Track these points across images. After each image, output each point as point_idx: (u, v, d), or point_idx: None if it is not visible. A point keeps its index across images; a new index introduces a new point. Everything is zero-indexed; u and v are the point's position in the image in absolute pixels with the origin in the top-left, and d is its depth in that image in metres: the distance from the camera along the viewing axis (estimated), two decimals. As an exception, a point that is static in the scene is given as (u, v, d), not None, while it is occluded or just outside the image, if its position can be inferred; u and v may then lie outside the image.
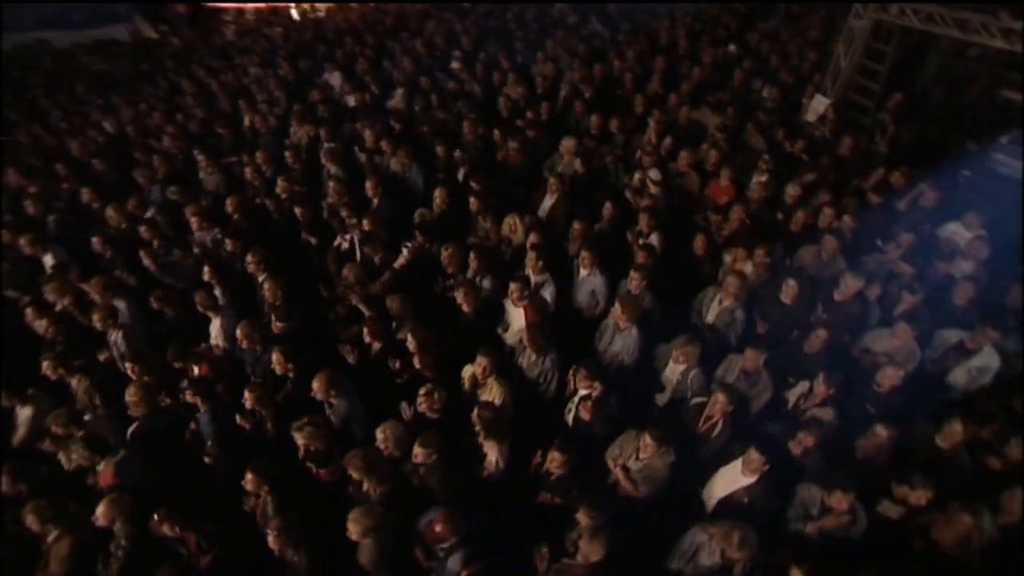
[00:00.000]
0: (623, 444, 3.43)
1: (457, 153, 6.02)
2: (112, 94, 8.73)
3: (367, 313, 4.21)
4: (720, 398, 3.41)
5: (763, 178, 5.41)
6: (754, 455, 3.07)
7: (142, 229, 5.23)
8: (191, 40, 10.90)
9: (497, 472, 3.43)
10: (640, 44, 8.40)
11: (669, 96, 6.84)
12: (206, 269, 4.59)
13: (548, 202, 5.39)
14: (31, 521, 2.99)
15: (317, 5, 13.45)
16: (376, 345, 4.08)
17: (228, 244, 5.06)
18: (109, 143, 7.17)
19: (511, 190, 5.78)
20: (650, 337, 4.09)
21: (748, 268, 4.56)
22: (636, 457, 3.35)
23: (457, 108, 7.03)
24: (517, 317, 4.23)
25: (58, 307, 4.62)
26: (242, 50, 9.77)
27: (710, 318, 4.35)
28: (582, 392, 3.61)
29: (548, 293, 4.43)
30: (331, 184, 5.62)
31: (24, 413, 3.93)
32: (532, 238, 4.67)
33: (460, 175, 5.89)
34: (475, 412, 3.37)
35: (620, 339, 4.03)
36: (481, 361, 3.65)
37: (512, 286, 4.17)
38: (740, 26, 9.06)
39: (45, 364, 3.96)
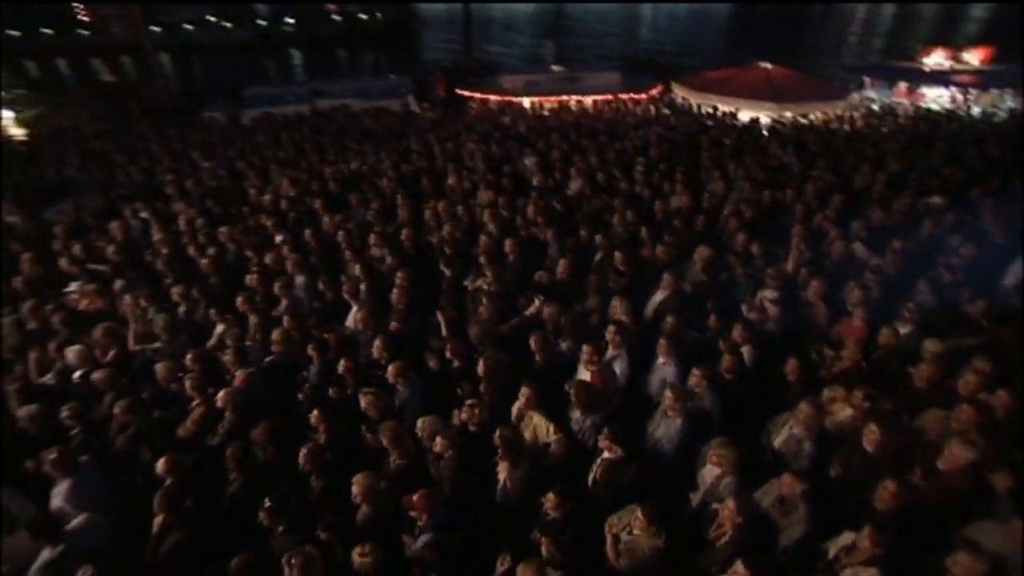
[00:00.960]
0: (623, 515, 3.48)
1: (599, 238, 6.63)
2: (369, 144, 11.29)
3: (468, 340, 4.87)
4: (730, 506, 3.29)
5: (905, 328, 5.01)
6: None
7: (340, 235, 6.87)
8: (440, 116, 13.67)
9: (503, 495, 3.72)
10: (825, 181, 8.27)
11: (831, 231, 6.65)
12: (360, 268, 5.81)
13: (658, 296, 5.65)
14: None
15: (544, 102, 15.96)
16: (456, 363, 4.74)
17: (389, 260, 6.31)
18: (346, 175, 9.33)
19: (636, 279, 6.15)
20: (697, 433, 4.06)
21: (843, 412, 4.28)
22: (629, 531, 3.38)
23: (618, 202, 7.69)
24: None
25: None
26: (469, 127, 11.99)
27: (777, 443, 4.14)
28: (605, 454, 3.76)
29: (618, 367, 4.66)
30: (483, 237, 6.65)
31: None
32: (623, 315, 4.99)
33: (596, 257, 6.47)
34: (497, 432, 3.73)
35: (664, 426, 4.08)
36: (525, 392, 4.04)
37: (586, 348, 4.51)
38: (965, 182, 8.28)
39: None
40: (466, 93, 17.75)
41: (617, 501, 3.63)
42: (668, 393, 4.03)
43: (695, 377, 4.24)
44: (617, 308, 5.32)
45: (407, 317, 5.34)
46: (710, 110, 15.45)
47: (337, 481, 3.50)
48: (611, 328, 4.73)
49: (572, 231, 6.89)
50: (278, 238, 7.20)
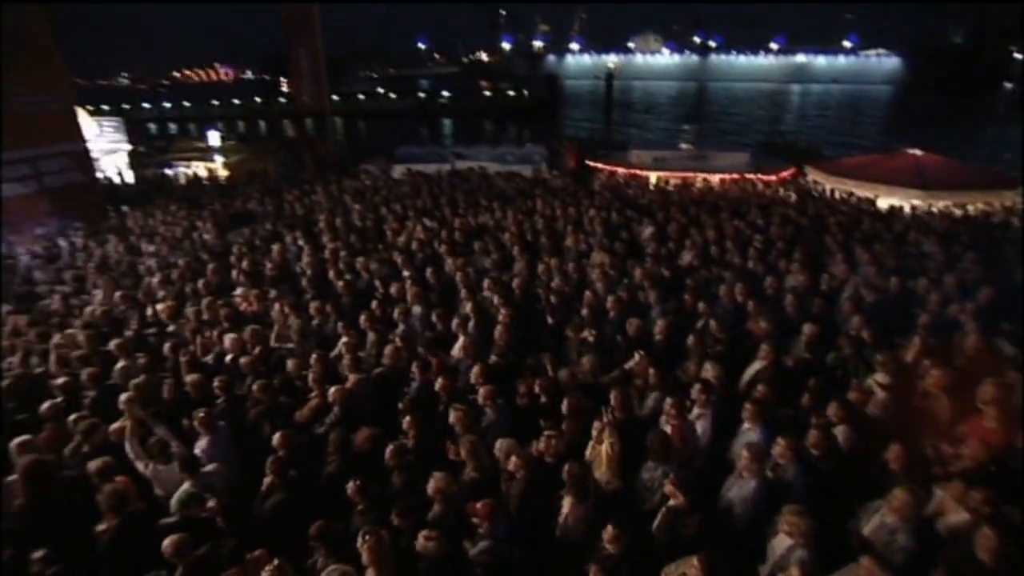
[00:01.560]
0: (680, 563, 3.45)
1: (702, 305, 6.67)
2: (498, 202, 12.27)
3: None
4: (794, 573, 3.16)
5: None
6: None
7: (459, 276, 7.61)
8: (568, 184, 14.49)
9: (564, 527, 3.85)
10: (973, 273, 7.61)
11: (969, 324, 6.11)
12: (472, 306, 6.39)
13: (755, 366, 5.54)
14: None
15: (670, 178, 16.23)
16: (543, 399, 5.00)
17: (498, 302, 6.84)
18: (473, 227, 10.23)
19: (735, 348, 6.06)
20: (774, 503, 3.91)
21: (958, 515, 3.90)
22: (683, 580, 3.35)
23: (729, 275, 7.67)
24: (663, 431, 4.57)
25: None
26: (593, 195, 12.62)
27: (866, 529, 3.86)
28: (670, 501, 3.77)
29: (701, 426, 4.64)
30: (587, 293, 6.98)
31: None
32: (712, 378, 4.98)
33: (699, 324, 6.50)
34: (567, 466, 3.90)
35: (738, 487, 3.99)
36: (598, 425, 4.19)
37: (669, 400, 4.58)
38: None
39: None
40: (595, 164, 18.64)
41: (677, 550, 3.60)
42: (745, 452, 3.97)
43: (779, 447, 4.12)
44: (709, 370, 5.31)
45: (506, 353, 5.74)
46: (844, 195, 14.70)
47: (416, 480, 3.87)
48: (697, 386, 4.75)
49: (678, 297, 7.01)
50: (405, 273, 8.08)
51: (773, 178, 17.28)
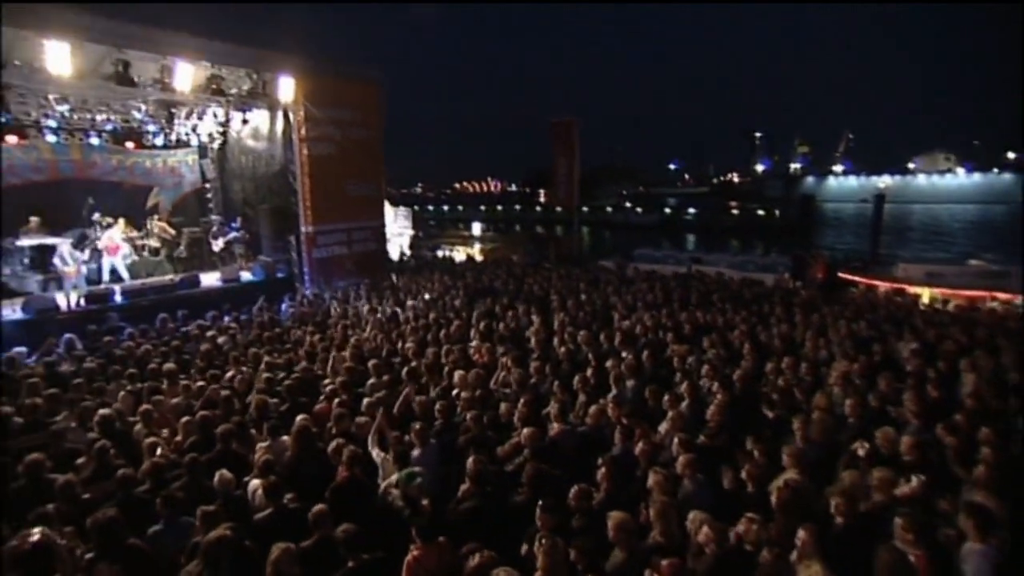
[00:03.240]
0: None
1: (985, 431, 5.31)
2: (730, 303, 11.66)
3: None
4: None
5: None
6: None
7: (676, 360, 7.33)
8: (814, 296, 13.02)
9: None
10: None
11: None
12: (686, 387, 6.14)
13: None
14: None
15: (950, 295, 13.34)
16: (751, 486, 4.42)
17: (715, 388, 6.40)
18: (700, 323, 9.92)
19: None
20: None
21: None
22: None
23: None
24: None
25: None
26: (843, 305, 11.15)
27: None
28: None
29: (971, 566, 3.55)
30: (820, 394, 6.16)
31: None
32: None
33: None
34: (764, 550, 3.35)
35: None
36: (803, 536, 3.51)
37: (901, 520, 3.64)
38: None
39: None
40: (850, 277, 16.41)
41: None
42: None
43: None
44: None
45: (717, 435, 5.29)
46: None
47: (597, 524, 3.72)
48: (968, 511, 3.70)
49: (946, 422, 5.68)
50: (624, 353, 8.10)
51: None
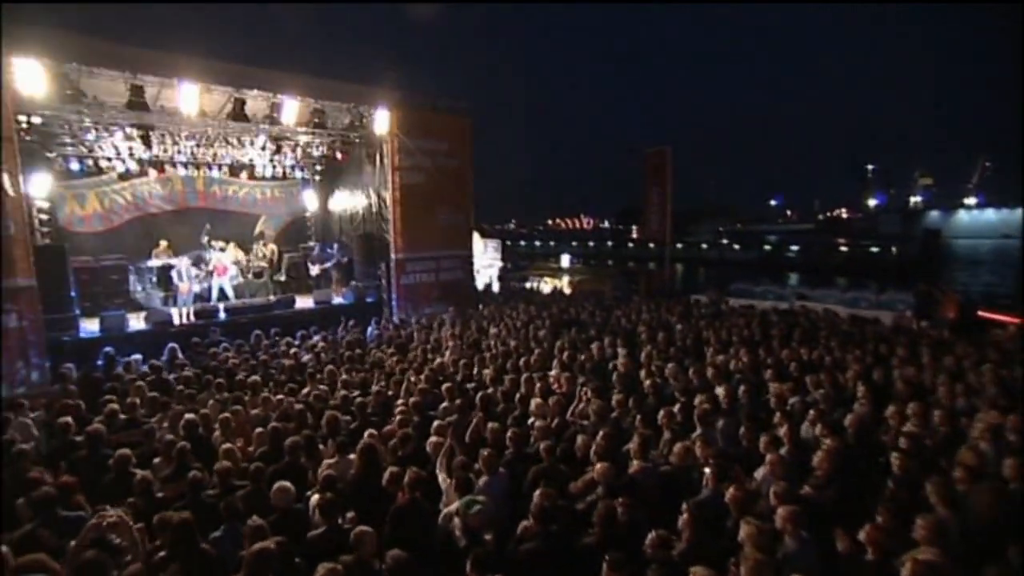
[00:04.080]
0: None
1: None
2: (838, 341, 10.46)
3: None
4: None
5: None
6: None
7: (775, 400, 6.55)
8: (945, 337, 11.34)
9: None
10: None
11: None
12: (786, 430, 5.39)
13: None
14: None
15: None
16: (871, 554, 3.67)
17: (819, 432, 5.59)
18: (806, 361, 8.95)
19: None
20: None
21: None
22: None
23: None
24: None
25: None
26: (979, 347, 9.56)
27: None
28: None
29: None
30: (964, 450, 5.13)
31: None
32: None
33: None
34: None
35: None
36: None
37: None
38: None
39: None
40: (991, 316, 14.23)
41: None
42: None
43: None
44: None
45: (825, 486, 4.54)
46: None
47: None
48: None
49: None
50: (718, 389, 7.40)
51: None
